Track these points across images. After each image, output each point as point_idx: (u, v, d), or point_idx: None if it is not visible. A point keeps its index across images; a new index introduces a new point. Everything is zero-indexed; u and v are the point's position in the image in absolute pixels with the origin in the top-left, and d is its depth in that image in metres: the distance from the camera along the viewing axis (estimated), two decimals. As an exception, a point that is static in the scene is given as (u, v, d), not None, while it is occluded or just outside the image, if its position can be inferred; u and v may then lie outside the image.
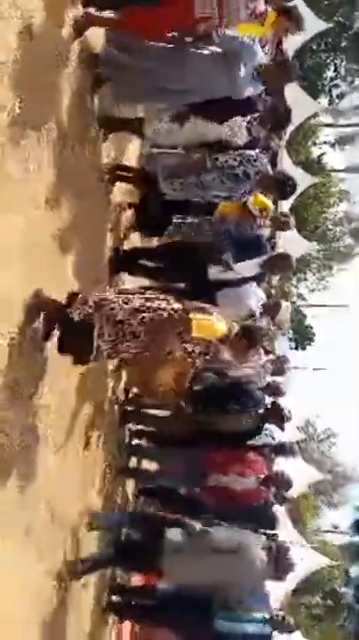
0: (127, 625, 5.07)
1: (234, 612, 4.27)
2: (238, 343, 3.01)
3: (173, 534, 4.24)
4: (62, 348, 2.81)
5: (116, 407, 4.33)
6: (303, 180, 18.77)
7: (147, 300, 2.83)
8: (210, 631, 4.18)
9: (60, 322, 2.74)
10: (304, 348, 30.62)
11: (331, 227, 22.23)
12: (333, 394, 30.39)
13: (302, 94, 17.43)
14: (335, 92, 19.67)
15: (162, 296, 2.91)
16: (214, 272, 3.87)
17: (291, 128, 18.55)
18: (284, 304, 4.87)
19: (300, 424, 21.78)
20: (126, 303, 2.76)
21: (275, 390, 4.83)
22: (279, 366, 4.88)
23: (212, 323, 2.92)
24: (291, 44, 14.98)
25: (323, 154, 20.79)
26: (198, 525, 4.11)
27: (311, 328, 30.67)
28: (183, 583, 4.41)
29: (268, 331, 4.45)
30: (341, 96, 19.96)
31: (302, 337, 29.97)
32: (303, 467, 17.07)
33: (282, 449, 4.84)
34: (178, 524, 4.30)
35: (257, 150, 3.91)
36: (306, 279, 23.24)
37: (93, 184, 3.64)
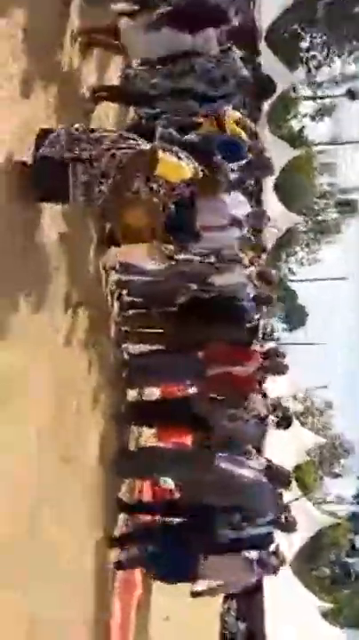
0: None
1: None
2: (205, 182, 3.12)
3: None
4: (38, 188, 2.81)
5: (113, 328, 4.48)
6: (286, 153, 19.04)
7: (115, 141, 2.94)
8: (214, 539, 4.29)
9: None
10: (296, 328, 30.98)
11: (316, 200, 22.46)
12: (331, 367, 30.62)
13: (279, 66, 17.65)
14: (312, 63, 19.88)
15: (132, 136, 3.00)
16: None
17: (269, 101, 18.74)
18: (268, 216, 4.93)
19: (300, 396, 22.04)
20: (97, 142, 2.86)
21: (264, 300, 4.82)
22: (267, 274, 4.90)
23: (179, 164, 2.99)
24: (266, 15, 15.21)
25: (303, 127, 21.00)
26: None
27: (303, 307, 31.03)
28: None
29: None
30: (318, 67, 20.16)
31: (295, 316, 30.30)
32: (303, 432, 17.37)
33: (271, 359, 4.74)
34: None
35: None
36: (295, 253, 23.48)
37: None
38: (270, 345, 5.19)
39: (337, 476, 26.54)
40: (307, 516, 14.20)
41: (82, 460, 3.68)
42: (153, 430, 5.36)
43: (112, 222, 3.56)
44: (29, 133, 2.91)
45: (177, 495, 5.04)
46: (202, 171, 3.15)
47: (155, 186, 2.97)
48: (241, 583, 4.74)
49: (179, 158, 3.03)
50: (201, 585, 4.86)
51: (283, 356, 4.81)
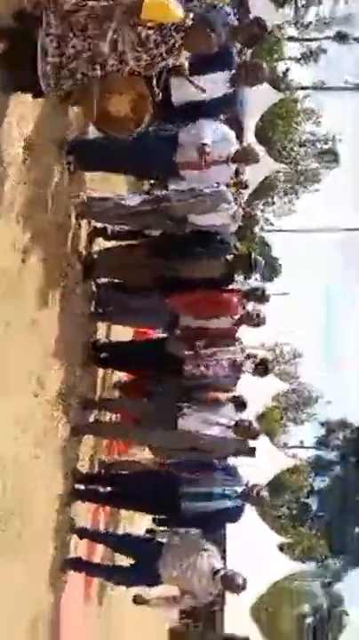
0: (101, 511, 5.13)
1: (200, 490, 4.29)
2: (194, 32, 2.78)
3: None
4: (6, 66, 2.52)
5: (78, 262, 4.30)
6: (269, 97, 18.48)
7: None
8: (180, 513, 4.25)
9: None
10: (271, 280, 31.12)
11: (296, 148, 22.03)
12: (298, 317, 31.09)
13: (266, 3, 16.82)
14: (300, 2, 19.01)
15: None
16: (177, 92, 3.67)
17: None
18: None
19: (269, 345, 22.40)
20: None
21: (243, 235, 4.63)
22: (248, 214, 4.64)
23: (168, 2, 2.69)
24: None
25: (288, 69, 20.31)
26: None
27: (277, 259, 31.08)
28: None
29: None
30: (307, 7, 19.30)
31: (269, 269, 30.35)
32: (270, 379, 17.81)
33: (253, 293, 4.57)
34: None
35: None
36: (273, 203, 23.19)
37: None
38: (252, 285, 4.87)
39: (301, 422, 27.51)
40: (271, 458, 14.77)
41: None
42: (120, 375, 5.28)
43: (89, 104, 2.98)
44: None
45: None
46: (192, 20, 2.75)
47: (143, 31, 2.62)
48: (201, 595, 4.15)
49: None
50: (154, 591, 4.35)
51: (266, 300, 4.59)
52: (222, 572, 4.08)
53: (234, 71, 3.84)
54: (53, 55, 2.60)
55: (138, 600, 4.38)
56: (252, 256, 4.46)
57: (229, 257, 4.37)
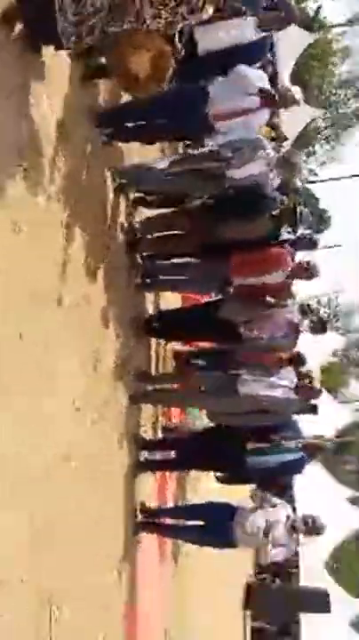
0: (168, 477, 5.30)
1: (264, 447, 4.35)
2: None
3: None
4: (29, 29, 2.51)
5: (121, 234, 4.27)
6: (302, 40, 17.53)
7: None
8: (245, 469, 4.30)
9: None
10: (320, 232, 30.05)
11: (335, 91, 20.95)
12: (352, 269, 30.06)
13: None
14: None
15: None
16: (203, 42, 3.52)
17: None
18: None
19: (322, 300, 21.86)
20: None
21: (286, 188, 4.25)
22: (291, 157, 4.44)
23: None
24: None
25: (319, 7, 19.16)
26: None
27: (326, 211, 29.92)
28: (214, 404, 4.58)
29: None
30: None
31: (317, 220, 29.32)
32: (328, 334, 17.43)
33: (301, 241, 4.43)
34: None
35: None
36: (315, 152, 22.28)
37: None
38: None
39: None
40: (336, 414, 14.62)
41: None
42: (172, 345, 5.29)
43: (109, 61, 2.99)
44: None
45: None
46: None
47: None
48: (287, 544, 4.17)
49: None
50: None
51: (315, 245, 4.46)
52: (300, 516, 4.16)
53: (259, 14, 3.63)
54: (74, 14, 2.54)
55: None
56: (297, 209, 4.30)
57: (274, 212, 4.23)
